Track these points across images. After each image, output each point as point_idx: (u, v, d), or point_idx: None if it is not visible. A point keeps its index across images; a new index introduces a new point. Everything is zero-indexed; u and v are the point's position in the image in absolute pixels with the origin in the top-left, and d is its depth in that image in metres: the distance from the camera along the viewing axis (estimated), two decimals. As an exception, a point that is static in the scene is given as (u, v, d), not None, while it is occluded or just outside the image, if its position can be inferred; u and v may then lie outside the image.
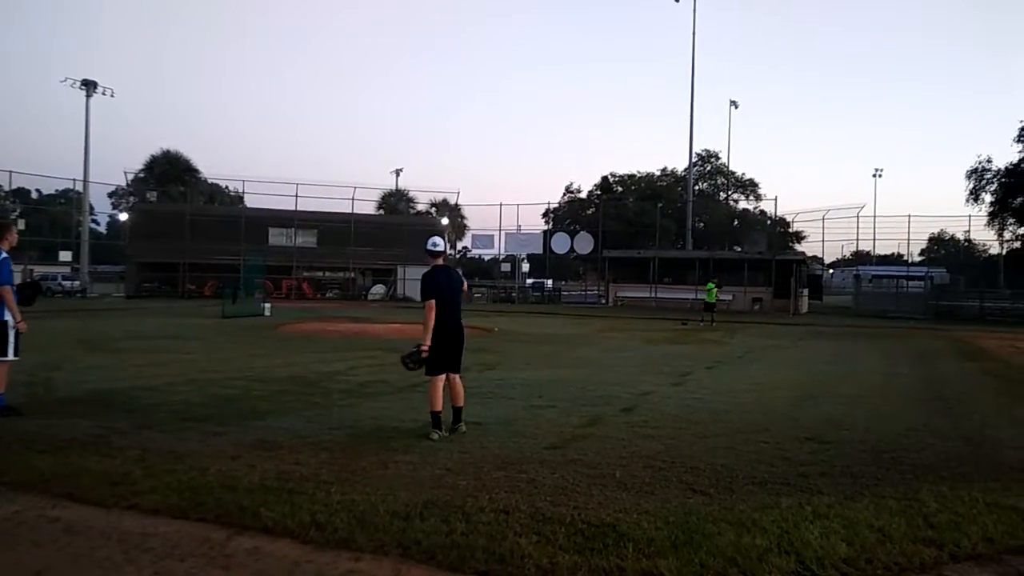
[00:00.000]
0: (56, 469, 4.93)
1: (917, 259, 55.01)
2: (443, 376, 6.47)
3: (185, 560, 3.54)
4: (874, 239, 45.21)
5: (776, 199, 69.40)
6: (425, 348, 6.29)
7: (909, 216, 42.04)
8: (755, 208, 61.60)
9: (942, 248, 64.48)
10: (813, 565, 3.52)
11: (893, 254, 57.01)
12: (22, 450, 5.46)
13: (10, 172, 43.94)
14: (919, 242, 59.65)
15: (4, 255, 6.80)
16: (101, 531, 3.91)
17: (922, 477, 5.29)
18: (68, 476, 4.78)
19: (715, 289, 27.18)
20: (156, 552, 3.63)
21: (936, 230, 59.55)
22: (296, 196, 47.09)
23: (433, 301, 6.37)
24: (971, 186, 42.49)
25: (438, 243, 6.67)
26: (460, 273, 6.84)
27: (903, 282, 44.78)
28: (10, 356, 6.96)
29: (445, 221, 56.70)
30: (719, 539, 3.80)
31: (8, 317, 6.89)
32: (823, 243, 45.35)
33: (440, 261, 6.60)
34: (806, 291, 42.06)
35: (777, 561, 3.55)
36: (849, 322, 30.91)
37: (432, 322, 6.35)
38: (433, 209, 61.44)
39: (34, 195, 73.32)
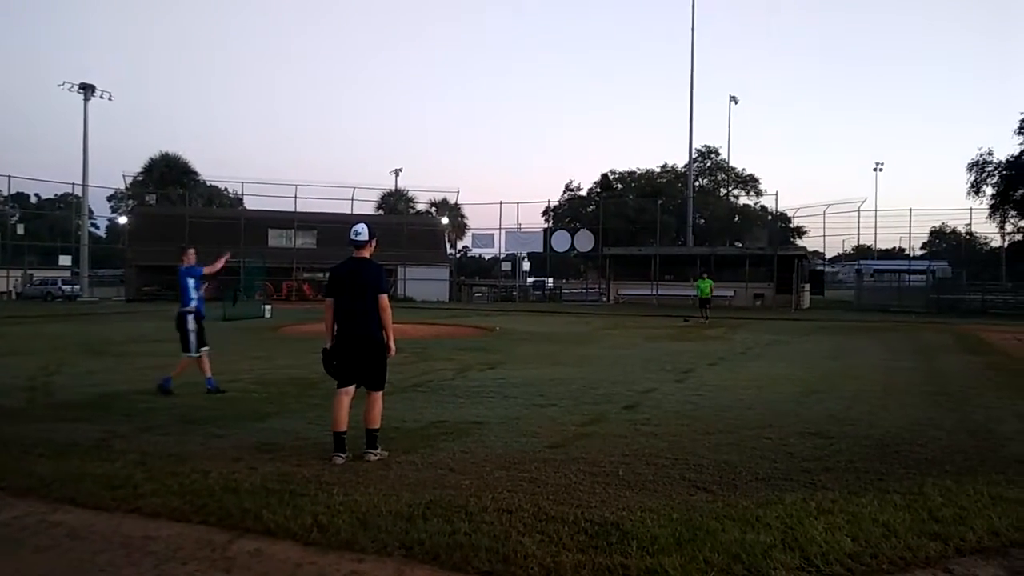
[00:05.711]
0: (57, 473, 4.91)
1: (919, 253, 55.07)
2: (348, 390, 5.66)
3: (187, 563, 3.53)
4: (875, 233, 45.49)
5: (777, 194, 69.57)
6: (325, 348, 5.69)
7: (910, 210, 42.20)
8: (756, 204, 61.46)
9: (943, 241, 64.49)
10: (818, 561, 3.51)
11: (895, 248, 56.99)
12: (22, 455, 5.44)
13: (8, 177, 43.78)
14: (920, 236, 59.95)
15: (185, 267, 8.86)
16: (103, 535, 3.90)
17: (926, 471, 5.28)
18: (69, 480, 4.76)
19: (709, 284, 26.76)
20: (158, 555, 3.61)
21: (937, 224, 59.69)
22: (295, 197, 47.26)
23: (331, 300, 5.64)
24: (972, 179, 42.39)
25: (359, 231, 5.62)
26: (376, 272, 5.63)
27: (905, 276, 44.71)
28: (193, 353, 8.66)
29: (445, 220, 56.69)
30: (723, 536, 3.78)
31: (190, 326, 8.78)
32: (824, 238, 45.84)
33: (365, 253, 5.63)
34: (808, 286, 42.02)
35: (782, 557, 3.53)
36: (851, 317, 30.89)
37: (329, 322, 5.63)
38: (433, 208, 61.43)
39: (33, 200, 73.67)
